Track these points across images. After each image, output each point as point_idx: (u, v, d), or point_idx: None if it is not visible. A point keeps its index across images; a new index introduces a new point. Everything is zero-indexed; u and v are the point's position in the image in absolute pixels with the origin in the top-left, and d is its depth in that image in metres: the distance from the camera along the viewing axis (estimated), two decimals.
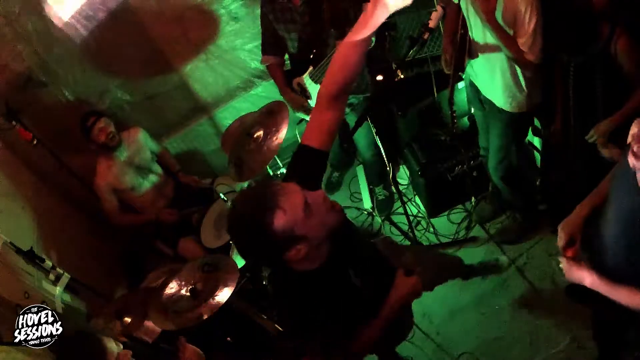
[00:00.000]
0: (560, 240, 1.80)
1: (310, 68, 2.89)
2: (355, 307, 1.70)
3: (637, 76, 2.14)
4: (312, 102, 3.02)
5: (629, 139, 1.46)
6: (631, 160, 1.43)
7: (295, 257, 1.43)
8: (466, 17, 2.50)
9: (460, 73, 2.79)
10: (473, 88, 2.83)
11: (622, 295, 1.62)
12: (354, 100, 3.11)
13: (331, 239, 1.55)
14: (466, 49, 2.62)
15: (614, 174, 1.71)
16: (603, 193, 1.76)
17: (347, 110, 3.13)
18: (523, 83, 2.51)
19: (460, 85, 3.13)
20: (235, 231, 1.45)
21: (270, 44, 3.00)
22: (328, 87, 1.56)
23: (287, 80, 3.05)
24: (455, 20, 2.60)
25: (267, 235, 1.36)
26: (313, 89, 2.94)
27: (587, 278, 1.70)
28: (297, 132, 3.60)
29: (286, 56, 3.12)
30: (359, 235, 2.10)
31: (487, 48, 2.48)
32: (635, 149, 1.41)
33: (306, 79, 2.93)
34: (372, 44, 2.82)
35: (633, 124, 1.47)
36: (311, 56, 2.86)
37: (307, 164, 1.59)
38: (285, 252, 1.42)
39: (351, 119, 3.20)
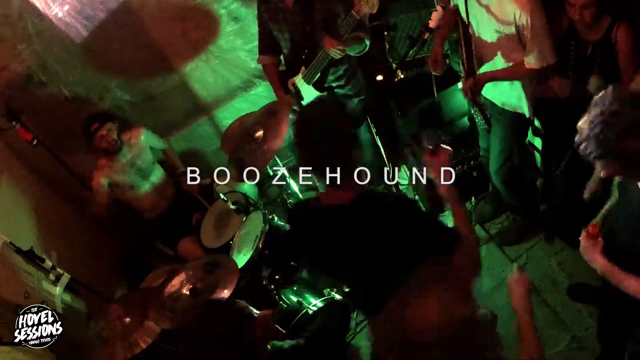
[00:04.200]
0: None
1: (303, 69, 2.86)
2: None
3: (627, 68, 2.20)
4: (305, 103, 2.98)
5: None
6: None
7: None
8: (465, 19, 2.49)
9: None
10: None
11: (629, 283, 1.60)
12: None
13: None
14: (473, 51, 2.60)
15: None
16: None
17: None
18: (524, 82, 2.51)
19: (460, 85, 3.12)
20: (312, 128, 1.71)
21: (267, 44, 2.99)
22: None
23: (282, 81, 3.03)
24: (454, 21, 2.59)
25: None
26: (305, 89, 2.91)
27: (599, 261, 1.69)
28: None
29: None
30: None
31: (489, 48, 2.48)
32: None
33: (299, 80, 2.90)
34: (367, 48, 2.83)
35: None
36: (303, 57, 2.84)
37: None
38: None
39: None
